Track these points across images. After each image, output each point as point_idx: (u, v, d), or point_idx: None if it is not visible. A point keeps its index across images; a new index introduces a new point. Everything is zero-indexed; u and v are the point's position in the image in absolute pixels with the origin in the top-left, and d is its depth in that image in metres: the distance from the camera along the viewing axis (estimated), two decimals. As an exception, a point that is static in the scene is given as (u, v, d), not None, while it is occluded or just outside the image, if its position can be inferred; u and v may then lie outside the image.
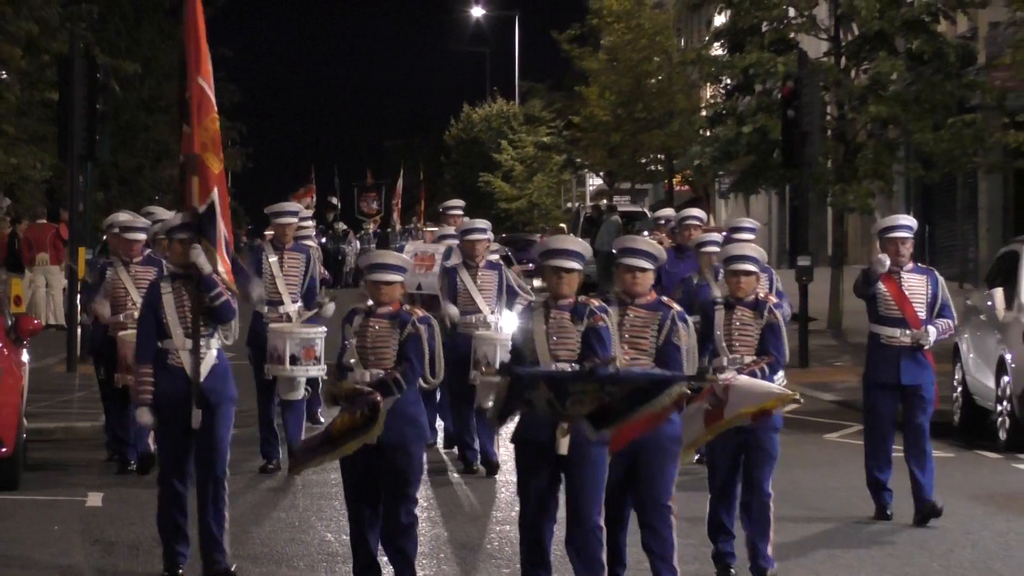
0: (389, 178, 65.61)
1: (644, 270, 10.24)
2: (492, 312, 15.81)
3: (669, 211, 20.65)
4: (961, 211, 36.35)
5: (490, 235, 16.23)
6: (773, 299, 11.53)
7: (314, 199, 55.00)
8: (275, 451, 15.94)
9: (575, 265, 10.01)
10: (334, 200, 59.58)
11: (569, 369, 9.81)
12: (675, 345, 10.16)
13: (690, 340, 10.29)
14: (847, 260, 34.50)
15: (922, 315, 13.55)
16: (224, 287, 11.15)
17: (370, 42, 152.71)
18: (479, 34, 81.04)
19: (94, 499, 14.47)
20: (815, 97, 26.65)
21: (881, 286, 13.59)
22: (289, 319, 15.71)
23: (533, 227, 65.65)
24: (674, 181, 50.37)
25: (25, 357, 15.64)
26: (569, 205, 66.51)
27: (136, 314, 15.39)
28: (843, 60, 30.82)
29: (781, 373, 11.55)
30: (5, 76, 30.16)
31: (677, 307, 10.34)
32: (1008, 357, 17.75)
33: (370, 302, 10.66)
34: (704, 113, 37.27)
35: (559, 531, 10.08)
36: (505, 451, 16.58)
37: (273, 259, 15.78)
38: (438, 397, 16.86)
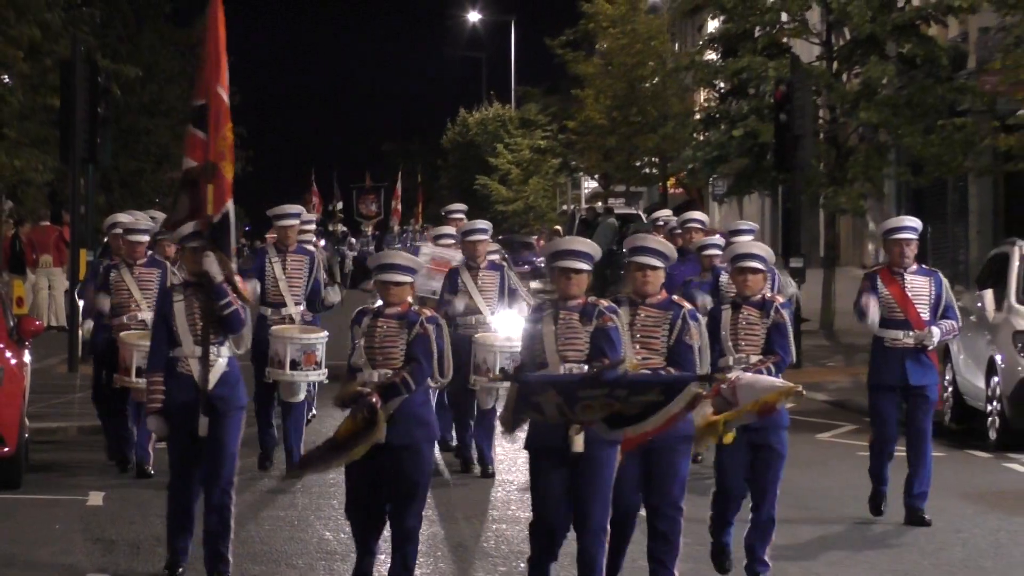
0: (387, 181, 65.75)
1: (655, 268, 10.19)
2: (493, 313, 15.75)
3: (666, 212, 20.63)
4: (952, 214, 36.45)
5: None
6: (780, 299, 11.49)
7: (319, 202, 55.24)
8: (273, 451, 15.96)
9: (584, 266, 9.93)
10: (339, 206, 59.77)
11: (576, 371, 9.76)
12: (687, 344, 10.11)
13: (702, 339, 10.24)
14: (839, 262, 34.64)
15: (926, 316, 13.48)
16: (235, 296, 11.09)
17: (368, 46, 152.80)
18: (475, 39, 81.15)
19: (95, 498, 14.49)
20: (807, 101, 26.81)
21: (884, 288, 13.53)
22: (292, 321, 15.66)
23: (529, 229, 65.84)
24: (668, 184, 50.50)
25: (27, 358, 15.64)
26: (565, 208, 66.59)
27: (139, 315, 15.50)
28: (835, 64, 30.98)
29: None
30: (7, 80, 30.21)
31: (688, 305, 10.30)
32: (998, 358, 17.88)
33: (379, 302, 10.61)
34: (697, 117, 37.43)
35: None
36: (501, 451, 16.71)
37: (276, 261, 15.73)
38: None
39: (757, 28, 31.34)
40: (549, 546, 9.97)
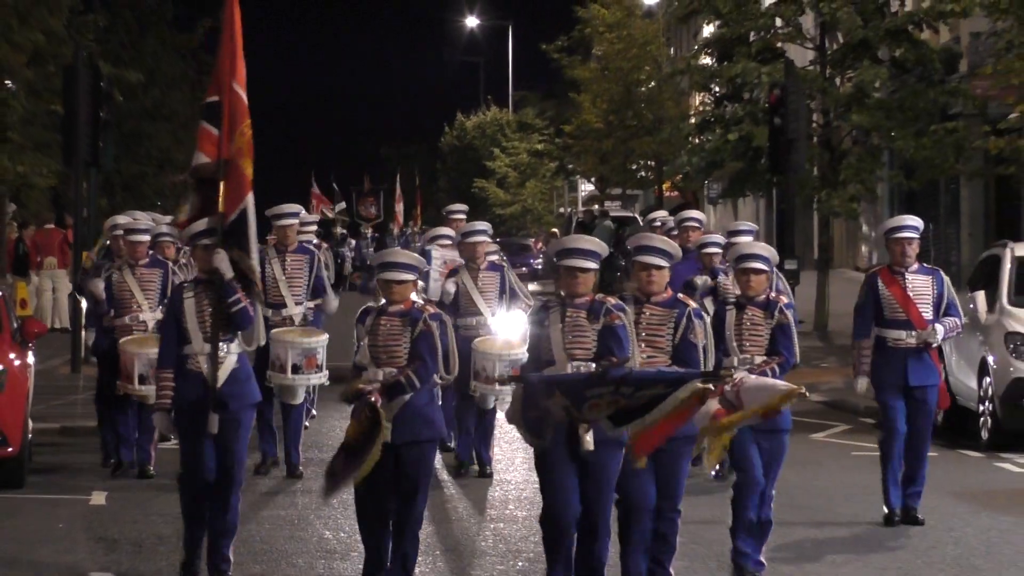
0: (386, 183, 65.78)
1: (660, 267, 10.21)
2: (493, 314, 15.71)
3: (663, 213, 20.54)
4: (944, 216, 36.61)
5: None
6: (784, 299, 11.43)
7: (317, 204, 55.22)
8: (272, 451, 15.97)
9: (590, 264, 9.93)
10: (342, 206, 59.77)
11: (584, 369, 9.76)
12: (692, 343, 10.13)
13: (706, 338, 10.27)
14: (833, 264, 34.78)
15: (928, 316, 13.44)
16: (243, 294, 11.03)
17: (366, 50, 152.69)
18: (473, 43, 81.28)
19: (98, 498, 14.55)
20: (801, 105, 26.96)
21: (885, 289, 13.49)
22: (292, 322, 15.62)
23: (526, 232, 65.99)
24: (664, 187, 50.65)
25: (30, 359, 15.71)
26: (561, 210, 66.77)
27: (141, 316, 15.53)
28: (828, 69, 31.13)
29: None
30: (12, 86, 30.34)
31: (693, 304, 10.31)
32: (990, 359, 18.00)
33: (382, 301, 10.61)
34: (692, 121, 37.58)
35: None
36: (499, 451, 16.80)
37: (275, 262, 15.67)
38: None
39: (752, 33, 31.49)
40: (561, 541, 9.90)
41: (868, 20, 30.09)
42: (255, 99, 11.41)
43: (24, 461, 15.08)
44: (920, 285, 13.51)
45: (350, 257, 53.68)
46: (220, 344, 11.07)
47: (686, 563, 11.55)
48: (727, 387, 10.59)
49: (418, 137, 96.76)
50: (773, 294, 11.44)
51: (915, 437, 13.60)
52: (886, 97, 30.87)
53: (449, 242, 16.76)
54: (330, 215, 55.19)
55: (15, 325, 15.66)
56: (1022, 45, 24.95)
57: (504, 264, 16.24)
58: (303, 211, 16.99)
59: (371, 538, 10.57)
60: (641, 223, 39.80)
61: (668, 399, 9.55)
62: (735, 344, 11.21)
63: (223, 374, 11.05)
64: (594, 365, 9.76)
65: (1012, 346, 17.85)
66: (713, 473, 14.72)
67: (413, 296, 10.64)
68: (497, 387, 15.15)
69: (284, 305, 15.67)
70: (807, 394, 11.01)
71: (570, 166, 57.02)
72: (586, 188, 63.89)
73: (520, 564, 11.93)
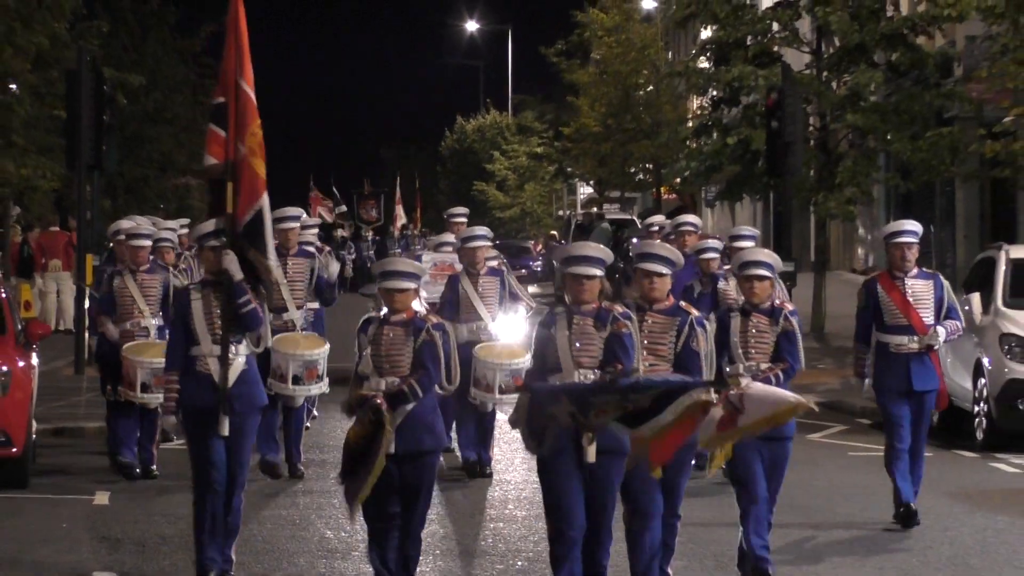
0: (386, 186, 65.84)
1: (662, 275, 10.23)
2: (494, 320, 15.71)
3: (660, 217, 20.48)
4: (939, 218, 36.72)
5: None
6: (789, 306, 11.35)
7: (316, 206, 55.25)
8: (275, 466, 15.86)
9: (596, 271, 9.87)
10: (343, 210, 59.82)
11: (591, 376, 9.74)
12: (694, 351, 10.13)
13: (708, 346, 10.26)
14: (829, 266, 34.91)
15: (929, 320, 13.42)
16: (253, 295, 11.01)
17: (366, 54, 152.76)
18: (473, 47, 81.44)
19: (101, 498, 14.59)
20: (797, 108, 27.06)
21: (885, 295, 13.46)
22: (294, 326, 15.59)
23: (526, 235, 66.13)
24: (662, 190, 50.77)
25: (34, 360, 15.74)
26: (560, 213, 66.92)
27: (142, 322, 15.55)
28: (824, 72, 31.25)
29: None
30: (15, 89, 30.43)
31: (695, 312, 10.31)
32: (985, 360, 18.08)
33: (384, 310, 10.56)
34: (690, 124, 37.71)
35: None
36: (498, 452, 16.85)
37: (276, 266, 15.72)
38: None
39: (749, 37, 31.62)
40: (568, 556, 9.83)
41: (864, 24, 30.22)
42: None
43: (28, 461, 15.12)
44: (920, 290, 13.50)
45: (350, 260, 53.76)
46: (229, 345, 11.03)
47: (685, 563, 11.59)
48: (732, 391, 10.56)
49: (418, 139, 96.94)
50: (778, 301, 11.36)
51: (913, 439, 13.62)
52: (882, 100, 30.99)
53: (451, 248, 16.74)
54: (328, 218, 55.20)
55: (19, 327, 15.71)
56: (1017, 49, 25.08)
57: (504, 268, 16.21)
58: (304, 214, 16.94)
59: (378, 536, 10.51)
60: (639, 226, 39.97)
61: (674, 403, 9.53)
62: (740, 351, 11.14)
63: (232, 375, 11.02)
64: (600, 372, 9.75)
65: (1007, 347, 17.94)
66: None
67: (415, 305, 10.62)
68: (497, 396, 15.18)
69: (285, 309, 15.60)
70: (816, 409, 10.91)
71: (569, 169, 57.11)
72: (585, 191, 64.01)
73: (520, 564, 11.98)
